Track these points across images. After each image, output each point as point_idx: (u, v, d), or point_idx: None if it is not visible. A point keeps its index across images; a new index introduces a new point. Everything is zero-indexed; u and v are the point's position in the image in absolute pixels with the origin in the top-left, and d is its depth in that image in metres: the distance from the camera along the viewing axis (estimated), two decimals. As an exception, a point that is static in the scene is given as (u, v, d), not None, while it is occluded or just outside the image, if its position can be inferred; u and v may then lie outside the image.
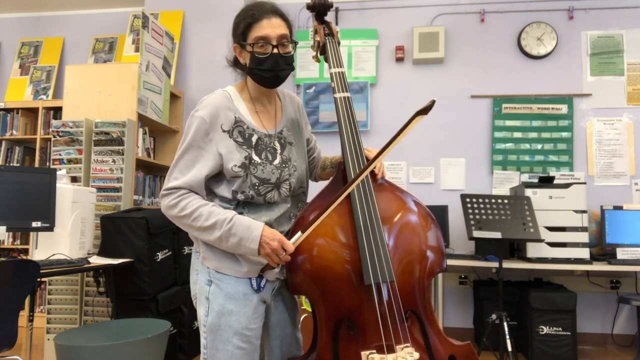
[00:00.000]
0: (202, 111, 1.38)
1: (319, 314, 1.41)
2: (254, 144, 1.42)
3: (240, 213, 1.40)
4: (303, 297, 3.08)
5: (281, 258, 1.31)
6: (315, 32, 1.66)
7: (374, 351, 1.35)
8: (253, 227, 1.32)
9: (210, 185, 1.42)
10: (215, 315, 1.37)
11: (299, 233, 1.31)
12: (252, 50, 1.39)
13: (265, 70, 1.40)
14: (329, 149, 4.33)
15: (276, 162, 1.44)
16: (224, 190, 1.40)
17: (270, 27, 1.39)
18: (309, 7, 1.63)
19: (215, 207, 1.36)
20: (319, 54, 1.68)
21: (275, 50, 1.39)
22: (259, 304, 1.41)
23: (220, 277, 1.39)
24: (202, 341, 1.40)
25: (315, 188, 1.60)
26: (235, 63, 1.52)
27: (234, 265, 1.38)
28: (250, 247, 1.31)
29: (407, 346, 1.37)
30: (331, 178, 1.52)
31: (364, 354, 1.35)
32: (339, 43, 1.64)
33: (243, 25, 1.40)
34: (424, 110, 1.15)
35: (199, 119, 1.37)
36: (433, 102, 1.17)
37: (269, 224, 1.41)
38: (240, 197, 1.39)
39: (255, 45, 1.39)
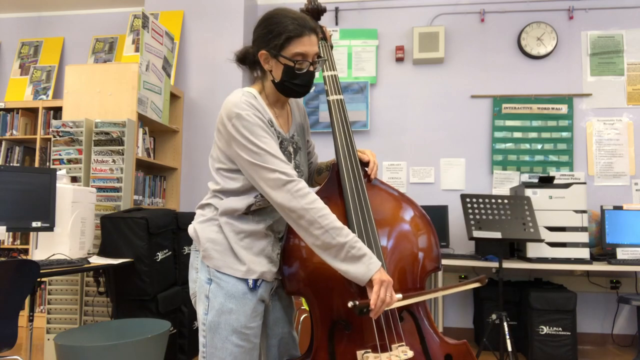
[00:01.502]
0: (247, 109, 1.35)
1: (314, 314, 1.42)
2: (279, 146, 1.43)
3: (246, 214, 1.41)
4: (303, 298, 3.09)
5: (387, 296, 1.26)
6: None
7: (369, 350, 1.36)
8: (374, 257, 1.30)
9: (225, 184, 1.41)
10: (215, 313, 1.38)
11: (400, 296, 1.31)
12: (291, 65, 1.38)
13: (298, 84, 1.41)
14: (329, 149, 4.33)
15: (291, 166, 1.46)
16: (242, 191, 1.40)
17: (310, 45, 1.39)
18: (302, 12, 1.65)
19: None
20: None
21: (311, 67, 1.41)
22: (258, 303, 1.42)
23: (220, 276, 1.39)
24: (201, 339, 1.40)
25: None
26: (243, 61, 1.50)
27: (234, 264, 1.39)
28: (371, 267, 1.26)
29: (401, 345, 1.38)
30: (326, 180, 1.54)
31: (359, 353, 1.37)
32: (331, 47, 1.67)
33: (284, 37, 1.37)
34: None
35: (250, 116, 1.34)
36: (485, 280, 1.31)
37: (271, 225, 1.44)
38: (257, 199, 1.40)
39: (296, 62, 1.38)
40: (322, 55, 1.63)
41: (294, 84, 1.41)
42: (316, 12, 1.66)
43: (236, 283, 1.39)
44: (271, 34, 1.40)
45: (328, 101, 1.57)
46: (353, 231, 1.40)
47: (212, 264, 1.40)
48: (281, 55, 1.39)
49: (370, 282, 1.27)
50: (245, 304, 1.39)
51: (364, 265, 1.27)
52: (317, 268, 1.39)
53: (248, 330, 1.39)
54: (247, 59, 1.50)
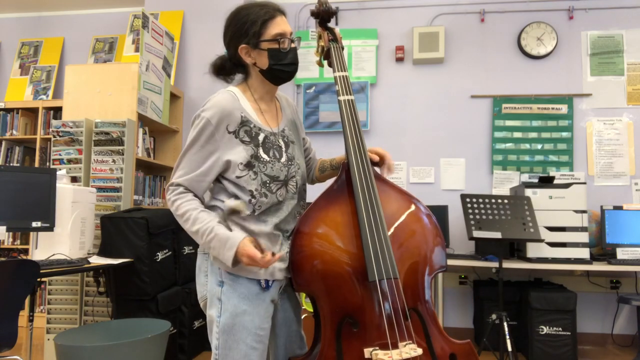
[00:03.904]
0: (208, 112, 1.40)
1: (322, 311, 1.42)
2: (261, 142, 1.44)
3: (252, 212, 1.41)
4: (303, 296, 3.09)
5: (262, 266, 1.31)
6: (319, 37, 1.70)
7: (377, 348, 1.37)
8: (228, 246, 1.32)
9: (230, 187, 1.43)
10: (229, 315, 1.37)
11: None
12: (275, 46, 1.43)
13: (287, 64, 1.45)
14: (329, 149, 4.34)
15: (283, 159, 1.47)
16: (241, 193, 1.41)
17: (284, 24, 1.45)
18: (313, 14, 1.66)
19: (204, 212, 1.38)
20: (322, 59, 1.71)
21: (293, 45, 1.46)
22: (269, 303, 1.42)
23: (232, 278, 1.39)
24: (214, 342, 1.40)
25: (315, 187, 1.61)
26: (221, 71, 1.54)
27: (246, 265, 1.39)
28: (226, 264, 1.35)
29: (409, 343, 1.38)
30: (334, 179, 1.54)
31: (367, 350, 1.37)
32: (342, 48, 1.68)
33: (260, 22, 1.42)
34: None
35: (205, 120, 1.39)
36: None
37: (278, 224, 1.45)
38: (255, 202, 1.41)
39: (280, 42, 1.43)
40: (332, 50, 1.64)
41: (282, 64, 1.44)
42: (327, 14, 1.66)
43: (249, 284, 1.39)
44: (245, 25, 1.43)
45: (339, 101, 1.58)
46: (364, 230, 1.40)
47: (223, 265, 1.40)
48: (262, 41, 1.42)
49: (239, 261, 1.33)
50: (259, 304, 1.39)
51: (223, 262, 1.34)
52: (328, 264, 1.39)
53: (262, 331, 1.39)
54: (225, 66, 1.53)
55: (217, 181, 1.46)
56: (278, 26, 1.43)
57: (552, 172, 4.05)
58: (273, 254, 1.30)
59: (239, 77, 1.55)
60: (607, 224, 3.55)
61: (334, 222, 1.43)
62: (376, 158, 1.57)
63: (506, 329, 2.88)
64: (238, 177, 1.40)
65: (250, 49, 1.45)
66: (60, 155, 3.19)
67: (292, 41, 1.45)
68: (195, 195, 1.42)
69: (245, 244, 1.32)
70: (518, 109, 4.15)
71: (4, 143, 4.54)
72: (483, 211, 3.10)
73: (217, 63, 1.54)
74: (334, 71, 1.62)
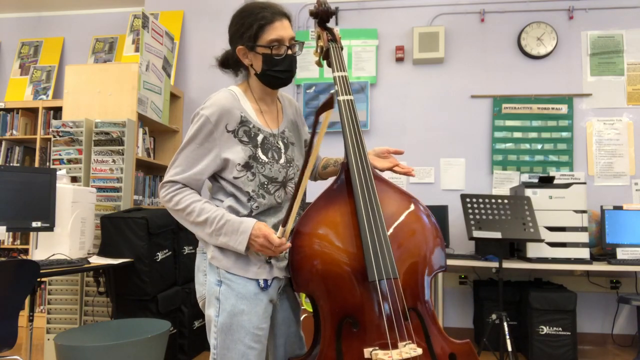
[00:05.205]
0: (207, 110, 1.40)
1: (322, 312, 1.42)
2: (259, 143, 1.44)
3: (250, 212, 1.42)
4: (303, 297, 3.09)
5: (274, 251, 1.33)
6: (319, 37, 1.70)
7: (377, 348, 1.37)
8: (241, 230, 1.34)
9: (228, 187, 1.43)
10: (226, 315, 1.37)
11: (281, 228, 1.34)
12: (269, 52, 1.41)
13: (281, 71, 1.43)
14: (329, 149, 4.33)
15: (282, 161, 1.47)
16: (239, 193, 1.42)
17: (283, 29, 1.42)
18: (312, 14, 1.66)
19: (208, 203, 1.39)
20: (321, 59, 1.71)
21: (289, 51, 1.43)
22: (268, 303, 1.42)
23: (230, 277, 1.39)
24: (212, 341, 1.40)
25: (314, 186, 1.61)
26: (225, 65, 1.54)
27: (244, 265, 1.39)
28: (238, 248, 1.35)
29: (409, 343, 1.39)
30: (334, 178, 1.54)
31: (366, 350, 1.37)
32: (341, 48, 1.67)
33: (256, 27, 1.41)
34: (327, 106, 1.20)
35: (204, 117, 1.39)
36: (332, 95, 1.20)
37: (276, 224, 1.44)
38: (252, 203, 1.41)
39: (272, 48, 1.41)
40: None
41: (275, 71, 1.43)
42: (326, 14, 1.66)
43: (247, 284, 1.39)
44: (243, 27, 1.43)
45: (338, 101, 1.58)
46: (364, 230, 1.40)
47: (221, 265, 1.40)
48: (257, 45, 1.41)
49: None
50: (257, 304, 1.39)
51: (235, 248, 1.36)
52: (328, 264, 1.39)
53: (260, 331, 1.39)
54: (229, 62, 1.53)
55: (215, 180, 1.46)
56: (275, 31, 1.40)
57: (552, 172, 4.05)
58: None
59: (244, 73, 1.54)
60: (607, 224, 3.55)
61: (334, 222, 1.43)
62: (384, 165, 1.57)
63: (506, 329, 2.88)
64: (235, 178, 1.40)
65: (247, 51, 1.44)
66: (60, 155, 3.19)
67: (291, 47, 1.43)
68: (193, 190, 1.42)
69: (260, 226, 1.34)
70: (518, 109, 4.15)
71: (4, 143, 4.54)
72: (483, 211, 3.10)
73: (222, 57, 1.55)
74: (333, 71, 1.61)
